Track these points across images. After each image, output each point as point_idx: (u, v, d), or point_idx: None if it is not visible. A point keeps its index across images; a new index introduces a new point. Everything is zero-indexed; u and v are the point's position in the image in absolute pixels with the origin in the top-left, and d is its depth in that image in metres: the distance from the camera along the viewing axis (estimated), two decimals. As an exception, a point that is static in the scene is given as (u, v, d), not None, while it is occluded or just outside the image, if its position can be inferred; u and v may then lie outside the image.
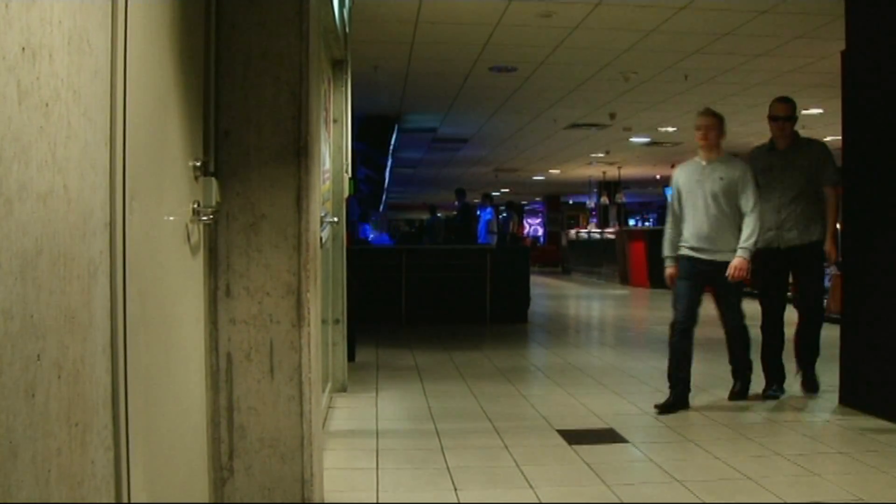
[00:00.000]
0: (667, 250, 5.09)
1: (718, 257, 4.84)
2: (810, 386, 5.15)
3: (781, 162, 5.06)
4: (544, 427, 4.41)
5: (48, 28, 1.33)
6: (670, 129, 13.18)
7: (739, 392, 5.04)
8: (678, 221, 5.03)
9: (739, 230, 4.82)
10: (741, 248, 4.81)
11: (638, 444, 4.05)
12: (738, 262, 4.79)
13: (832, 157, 4.99)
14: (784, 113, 5.13)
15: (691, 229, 4.92)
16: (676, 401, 4.79)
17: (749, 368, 5.10)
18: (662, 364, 6.36)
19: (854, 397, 4.76)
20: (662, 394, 4.85)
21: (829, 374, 5.18)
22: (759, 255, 5.03)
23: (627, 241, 16.30)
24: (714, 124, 4.91)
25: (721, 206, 4.85)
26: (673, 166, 17.15)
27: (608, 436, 4.19)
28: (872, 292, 4.68)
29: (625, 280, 16.22)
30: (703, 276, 4.90)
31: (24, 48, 1.23)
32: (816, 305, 5.21)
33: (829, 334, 5.17)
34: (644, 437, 4.22)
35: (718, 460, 3.71)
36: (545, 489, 3.31)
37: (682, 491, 3.29)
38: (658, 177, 21.81)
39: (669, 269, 5.03)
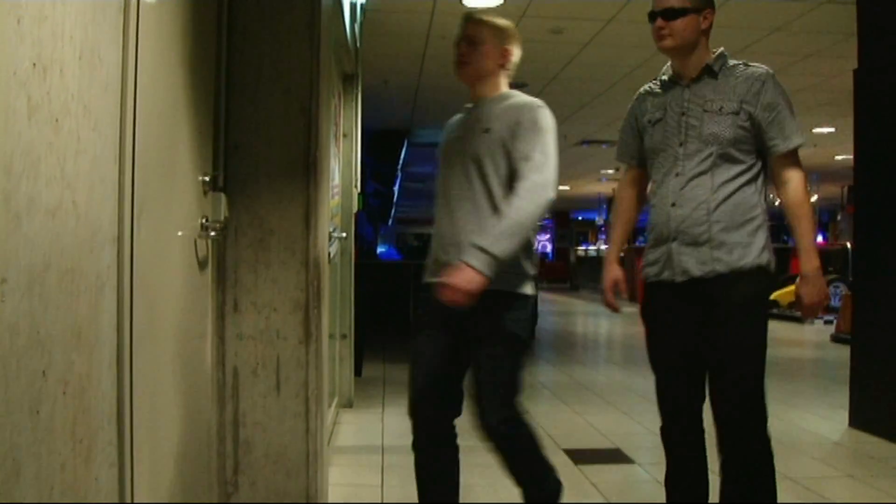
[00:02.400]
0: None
1: None
2: None
3: (683, 105, 2.47)
4: (550, 446, 4.36)
5: (59, 43, 1.32)
6: (680, 147, 13.17)
7: None
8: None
9: None
10: (476, 247, 2.31)
11: (645, 464, 4.01)
12: (465, 275, 2.29)
13: (785, 95, 2.40)
14: (666, 3, 2.40)
15: (436, 228, 2.66)
16: None
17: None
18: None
19: (865, 420, 4.71)
20: (671, 413, 4.77)
21: (839, 395, 5.13)
22: (647, 295, 2.59)
23: (636, 257, 16.25)
24: (484, 37, 2.65)
25: (482, 181, 2.52)
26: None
27: (615, 456, 4.15)
28: (885, 312, 4.64)
29: (633, 297, 16.14)
30: (455, 316, 2.44)
31: (34, 63, 1.23)
32: (755, 415, 2.45)
33: (840, 354, 5.12)
34: (651, 458, 4.18)
35: (727, 482, 3.67)
36: (552, 509, 3.27)
37: (690, 513, 3.25)
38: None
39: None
